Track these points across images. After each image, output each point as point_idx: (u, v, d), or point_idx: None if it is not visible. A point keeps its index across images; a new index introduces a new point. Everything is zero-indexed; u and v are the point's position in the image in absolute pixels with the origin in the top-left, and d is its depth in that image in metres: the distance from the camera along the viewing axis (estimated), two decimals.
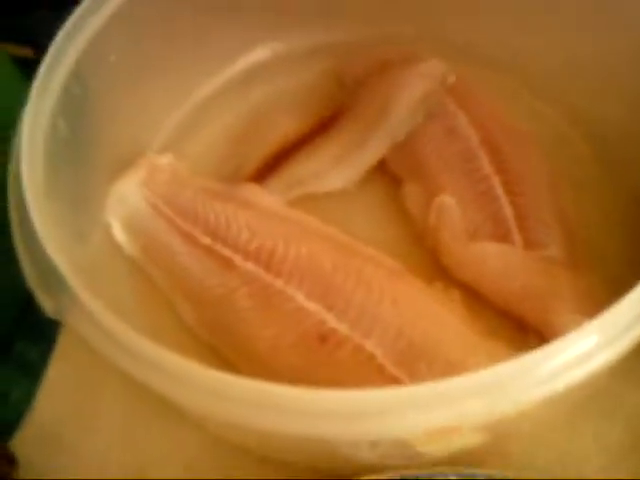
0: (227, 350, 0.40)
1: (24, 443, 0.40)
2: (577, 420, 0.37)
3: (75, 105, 0.41)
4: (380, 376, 0.36)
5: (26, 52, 0.55)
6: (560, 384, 0.28)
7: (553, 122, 0.47)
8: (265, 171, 0.46)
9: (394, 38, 0.49)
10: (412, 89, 0.45)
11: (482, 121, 0.44)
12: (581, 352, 0.28)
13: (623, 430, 0.37)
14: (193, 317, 0.42)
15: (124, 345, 0.30)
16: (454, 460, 0.34)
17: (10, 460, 0.38)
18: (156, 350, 0.30)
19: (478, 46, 0.48)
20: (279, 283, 0.39)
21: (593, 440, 0.37)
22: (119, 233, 0.43)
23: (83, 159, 0.42)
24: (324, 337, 0.37)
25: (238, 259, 0.41)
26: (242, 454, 0.38)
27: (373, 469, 0.34)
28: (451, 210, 0.41)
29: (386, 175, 0.45)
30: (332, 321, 0.37)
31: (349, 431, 0.28)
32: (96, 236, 0.42)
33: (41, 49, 0.40)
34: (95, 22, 0.42)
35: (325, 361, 0.37)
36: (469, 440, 0.32)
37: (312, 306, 0.38)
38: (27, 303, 0.33)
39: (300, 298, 0.38)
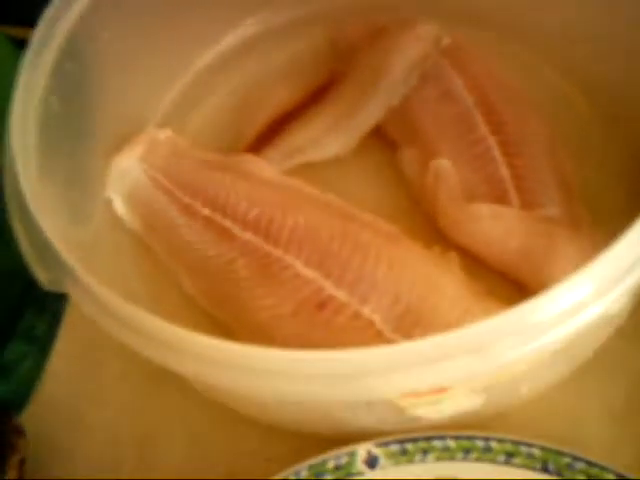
0: (228, 320, 0.41)
1: (33, 416, 0.41)
2: (582, 381, 0.37)
3: (69, 81, 0.41)
4: (378, 342, 0.36)
5: (25, 33, 0.55)
6: (549, 339, 0.28)
7: (552, 82, 0.47)
8: (262, 141, 0.46)
9: (388, 3, 0.48)
10: (406, 52, 0.44)
11: (478, 83, 0.44)
12: (571, 303, 0.28)
13: (630, 391, 0.37)
14: (194, 288, 0.42)
15: (123, 318, 0.30)
16: (455, 425, 0.34)
17: (19, 432, 0.38)
18: (153, 321, 0.30)
19: (475, 9, 0.48)
20: (277, 252, 0.40)
21: (599, 401, 0.37)
22: (120, 207, 0.44)
23: (79, 136, 0.42)
24: (322, 304, 0.38)
25: (237, 229, 0.41)
26: (247, 425, 0.38)
27: (373, 433, 0.34)
28: (447, 172, 0.41)
29: (382, 140, 0.45)
30: (330, 288, 0.38)
31: (335, 392, 0.29)
32: (96, 211, 0.43)
33: None
34: None
35: (324, 328, 0.37)
36: (464, 403, 0.33)
37: (310, 273, 0.38)
38: (33, 277, 0.34)
39: (298, 266, 0.39)
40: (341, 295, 0.37)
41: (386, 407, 0.32)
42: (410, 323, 0.36)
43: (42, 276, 0.33)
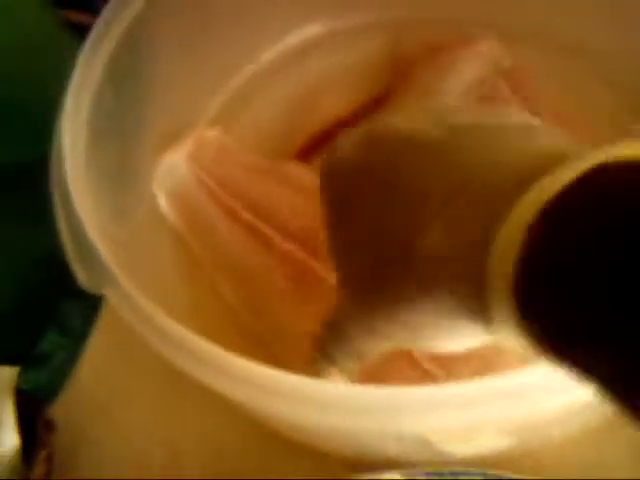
0: (262, 329, 0.40)
1: (63, 408, 0.41)
2: (614, 427, 0.36)
3: (124, 75, 0.41)
4: (415, 371, 0.36)
5: (87, 19, 0.55)
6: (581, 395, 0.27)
7: (612, 110, 0.45)
8: (311, 150, 0.45)
9: (450, 19, 0.47)
10: (465, 69, 0.43)
11: (535, 106, 0.43)
12: None
13: None
14: (231, 293, 0.42)
15: (157, 327, 0.30)
16: (484, 462, 0.33)
17: (49, 427, 0.39)
18: (189, 337, 0.30)
19: (538, 27, 0.46)
20: (318, 266, 0.39)
21: (627, 448, 0.36)
22: (164, 204, 0.44)
23: (129, 131, 0.42)
24: None
25: (277, 238, 0.41)
26: (275, 441, 0.38)
27: (399, 462, 0.34)
28: None
29: None
30: None
31: (370, 425, 0.28)
32: (140, 208, 0.43)
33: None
34: None
35: None
36: (496, 443, 0.32)
37: None
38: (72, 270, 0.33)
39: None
40: None
41: (416, 441, 0.31)
42: (445, 358, 0.35)
43: (82, 275, 0.33)
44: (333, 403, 0.28)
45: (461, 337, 0.26)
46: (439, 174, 0.25)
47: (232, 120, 0.48)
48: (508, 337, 0.22)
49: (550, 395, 0.27)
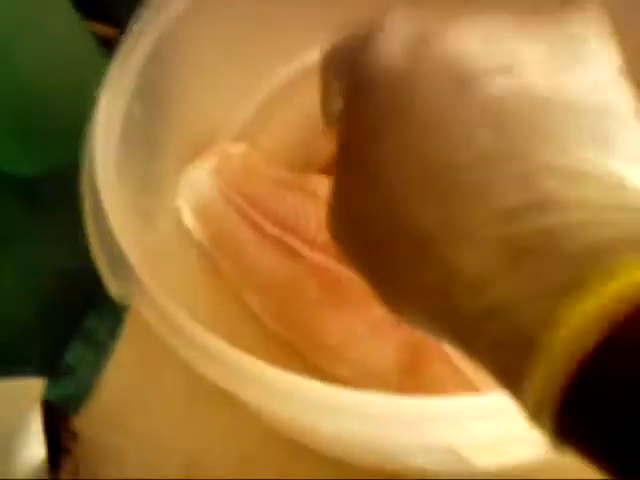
0: (296, 340, 0.41)
1: (87, 420, 0.41)
2: None
3: (153, 88, 0.41)
4: (446, 367, 0.36)
5: (112, 32, 0.56)
6: None
7: None
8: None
9: None
10: None
11: None
12: None
13: None
14: (261, 307, 0.42)
15: (186, 336, 0.30)
16: (510, 472, 0.33)
17: (74, 438, 0.39)
18: (219, 344, 0.30)
19: None
20: (348, 274, 0.39)
21: None
22: (189, 219, 0.44)
23: (157, 143, 0.42)
24: (395, 322, 0.37)
25: (306, 250, 0.41)
26: (300, 450, 0.38)
27: (425, 473, 0.33)
28: None
29: None
30: None
31: (399, 436, 0.28)
32: (166, 221, 0.43)
33: (124, 28, 0.41)
34: (178, 5, 0.42)
35: (396, 349, 0.37)
36: (525, 454, 0.31)
37: None
38: (99, 280, 0.34)
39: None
40: None
41: (445, 453, 0.31)
42: None
43: (112, 286, 0.33)
44: (362, 413, 0.28)
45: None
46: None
47: (256, 135, 0.48)
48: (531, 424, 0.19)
49: None
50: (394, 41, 0.22)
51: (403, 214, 0.21)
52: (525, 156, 0.20)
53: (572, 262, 0.18)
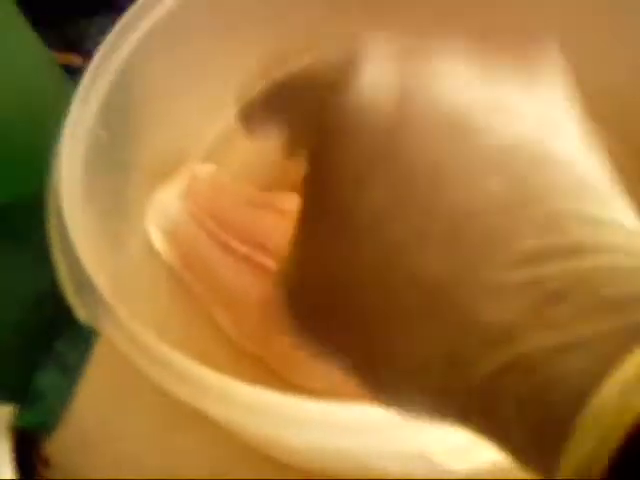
0: (268, 357, 0.41)
1: (59, 444, 0.41)
2: None
3: (117, 114, 0.42)
4: None
5: (76, 60, 0.56)
6: None
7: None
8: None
9: None
10: None
11: None
12: None
13: None
14: (233, 326, 0.42)
15: (154, 356, 0.30)
16: (480, 474, 0.33)
17: (46, 464, 0.38)
18: (187, 363, 0.30)
19: None
20: None
21: None
22: (158, 241, 0.44)
23: (123, 167, 0.43)
24: None
25: (277, 267, 0.41)
26: (270, 463, 0.38)
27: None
28: None
29: None
30: None
31: (372, 445, 0.29)
32: (135, 244, 0.43)
33: (90, 57, 0.41)
34: (140, 30, 0.42)
35: None
36: (494, 455, 0.32)
37: None
38: (68, 305, 0.34)
39: None
40: None
41: (416, 458, 0.31)
42: None
43: (79, 311, 0.33)
44: (333, 423, 0.28)
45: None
46: None
47: (225, 155, 0.49)
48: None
49: None
50: (378, 81, 0.20)
51: (406, 265, 0.19)
52: (539, 201, 0.19)
53: (616, 309, 0.16)
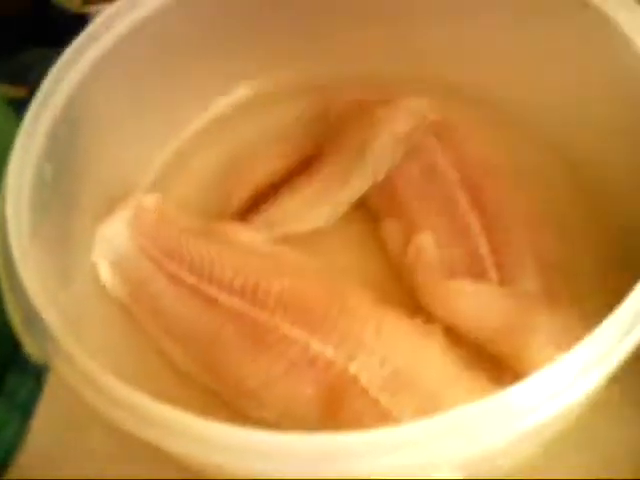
0: (219, 388, 0.41)
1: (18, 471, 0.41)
2: (553, 454, 0.37)
3: (62, 147, 0.42)
4: (365, 400, 0.37)
5: (21, 92, 0.56)
6: (534, 421, 0.29)
7: (536, 159, 0.48)
8: (249, 209, 0.47)
9: (381, 76, 0.50)
10: (392, 127, 0.45)
11: (462, 159, 0.45)
12: (555, 386, 0.29)
13: (598, 464, 0.38)
14: (182, 359, 0.42)
15: (104, 392, 0.31)
16: None
17: None
18: (138, 398, 0.30)
19: (468, 87, 0.49)
20: (264, 316, 0.40)
21: (567, 474, 0.38)
22: (105, 274, 0.44)
23: (69, 200, 0.43)
24: (311, 362, 0.38)
25: (223, 296, 0.42)
26: None
27: None
28: (428, 248, 0.42)
29: (366, 211, 0.46)
30: (317, 345, 0.38)
31: (319, 473, 0.29)
32: (83, 277, 0.43)
33: (36, 89, 0.41)
34: (85, 61, 0.43)
35: (314, 386, 0.38)
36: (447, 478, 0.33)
37: (297, 333, 0.39)
38: (18, 340, 0.34)
39: (285, 328, 0.39)
40: (328, 352, 0.38)
41: None
42: (396, 385, 0.37)
43: (29, 346, 0.33)
44: (281, 453, 0.29)
45: None
46: None
47: (171, 184, 0.50)
48: None
49: (499, 429, 0.29)
50: None
51: None
52: None
53: None
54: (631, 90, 0.40)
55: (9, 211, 0.37)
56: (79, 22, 0.45)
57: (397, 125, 0.46)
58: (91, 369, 0.31)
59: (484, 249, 0.42)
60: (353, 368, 0.37)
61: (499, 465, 0.37)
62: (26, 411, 0.43)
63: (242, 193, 0.47)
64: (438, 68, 0.50)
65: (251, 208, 0.46)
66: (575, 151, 0.47)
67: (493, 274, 0.41)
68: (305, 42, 0.50)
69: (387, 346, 0.38)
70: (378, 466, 0.29)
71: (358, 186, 0.45)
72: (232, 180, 0.49)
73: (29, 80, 0.55)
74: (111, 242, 0.44)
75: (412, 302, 0.42)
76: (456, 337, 0.40)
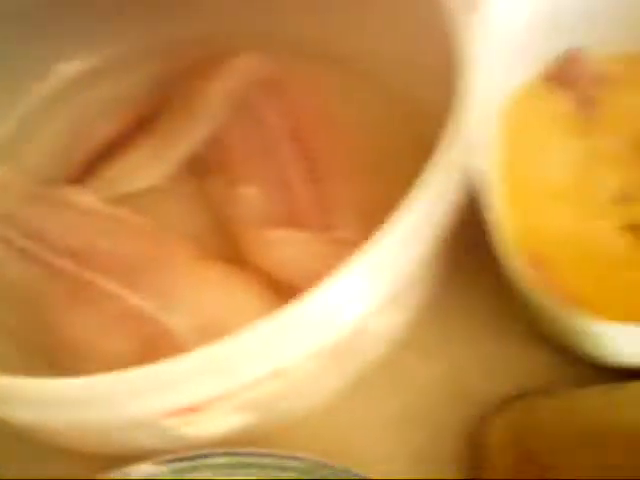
0: (49, 349, 0.42)
1: None
2: (360, 396, 0.38)
3: None
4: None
5: None
6: (303, 349, 0.30)
7: (374, 109, 0.48)
8: (86, 172, 0.47)
9: (216, 36, 0.50)
10: (220, 84, 0.46)
11: (291, 111, 0.46)
12: (330, 312, 0.31)
13: (406, 402, 0.39)
14: (15, 321, 0.43)
15: None
16: (232, 441, 0.35)
17: None
18: None
19: (307, 41, 0.49)
20: (88, 274, 0.41)
21: (377, 415, 0.39)
22: None
23: None
24: (128, 315, 0.40)
25: (51, 256, 0.42)
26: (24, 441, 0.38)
27: (151, 453, 0.35)
28: (249, 200, 0.43)
29: (199, 169, 0.47)
30: (133, 299, 0.40)
31: (105, 415, 0.30)
32: None
33: None
34: None
35: (131, 339, 0.39)
36: (228, 422, 0.34)
37: (115, 288, 0.40)
38: None
39: (106, 283, 0.40)
40: (145, 306, 0.39)
41: (151, 428, 0.33)
42: (211, 336, 0.37)
43: None
44: (61, 398, 0.30)
45: None
46: None
47: (16, 153, 0.50)
48: None
49: (260, 364, 0.30)
50: None
51: None
52: None
53: None
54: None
55: None
56: None
57: (226, 82, 0.46)
58: None
59: (304, 199, 0.42)
60: (167, 320, 0.38)
61: (294, 408, 0.37)
62: None
63: (81, 157, 0.48)
64: (282, 24, 0.50)
65: (87, 172, 0.47)
66: (414, 101, 0.47)
67: (313, 223, 0.42)
68: (145, 8, 0.50)
69: (202, 298, 0.39)
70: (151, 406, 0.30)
71: (188, 141, 0.46)
72: (72, 148, 0.49)
73: None
74: None
75: (236, 255, 0.42)
76: (276, 285, 0.41)
